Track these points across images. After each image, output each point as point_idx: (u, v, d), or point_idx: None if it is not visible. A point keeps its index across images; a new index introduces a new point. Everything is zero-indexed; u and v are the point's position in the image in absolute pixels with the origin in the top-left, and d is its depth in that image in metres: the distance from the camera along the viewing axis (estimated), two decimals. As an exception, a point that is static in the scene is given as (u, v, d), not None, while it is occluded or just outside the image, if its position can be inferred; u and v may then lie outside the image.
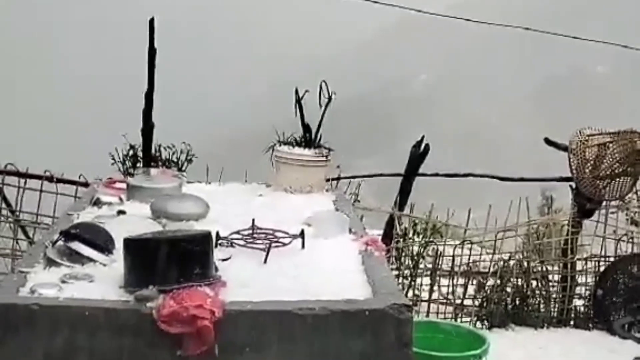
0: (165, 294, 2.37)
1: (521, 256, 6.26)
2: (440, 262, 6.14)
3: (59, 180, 5.69)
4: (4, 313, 2.34)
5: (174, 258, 2.44)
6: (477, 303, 6.10)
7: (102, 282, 2.53)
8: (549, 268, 6.27)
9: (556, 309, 6.20)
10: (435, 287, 6.14)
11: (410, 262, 6.00)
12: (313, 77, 4.11)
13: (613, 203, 6.20)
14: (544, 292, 6.12)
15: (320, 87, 3.99)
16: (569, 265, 6.18)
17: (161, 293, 2.37)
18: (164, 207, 3.22)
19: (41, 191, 5.72)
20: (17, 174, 5.78)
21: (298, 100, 3.99)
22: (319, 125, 4.00)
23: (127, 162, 5.49)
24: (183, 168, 5.37)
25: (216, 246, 2.79)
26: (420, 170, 6.10)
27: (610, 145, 5.86)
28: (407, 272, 5.98)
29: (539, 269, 6.17)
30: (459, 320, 5.96)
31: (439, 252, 6.13)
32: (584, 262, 6.32)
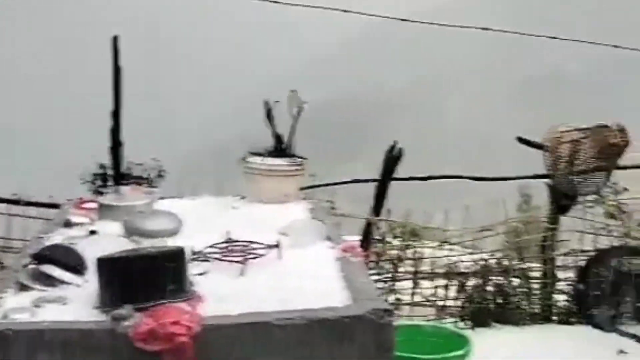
0: (141, 312, 2.33)
1: (501, 255, 6.26)
2: (420, 265, 6.14)
3: (28, 203, 5.62)
4: (-24, 340, 2.29)
5: (147, 275, 2.40)
6: (459, 304, 6.10)
7: (76, 303, 2.49)
8: (530, 265, 6.28)
9: (538, 306, 6.21)
10: (417, 290, 6.13)
11: (389, 266, 5.99)
12: (286, 88, 4.09)
13: (589, 197, 6.23)
14: (525, 290, 6.13)
15: (290, 97, 3.97)
16: (549, 262, 6.20)
17: (137, 311, 2.33)
18: (136, 225, 3.18)
19: (10, 215, 5.63)
20: (-16, 198, 5.70)
21: (268, 111, 3.97)
22: (291, 135, 3.98)
23: (97, 181, 5.43)
24: (154, 184, 5.32)
25: (191, 261, 2.75)
26: (397, 174, 6.09)
27: (584, 140, 5.89)
28: (387, 276, 5.97)
29: (520, 266, 6.18)
30: (442, 321, 5.95)
31: (417, 255, 6.13)
32: (563, 257, 6.34)
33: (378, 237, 6.02)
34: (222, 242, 3.01)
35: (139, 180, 5.23)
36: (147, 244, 2.96)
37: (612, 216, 6.39)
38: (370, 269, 5.73)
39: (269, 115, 3.99)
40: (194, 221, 3.37)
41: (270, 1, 7.29)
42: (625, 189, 6.34)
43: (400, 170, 6.14)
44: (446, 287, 6.15)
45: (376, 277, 5.77)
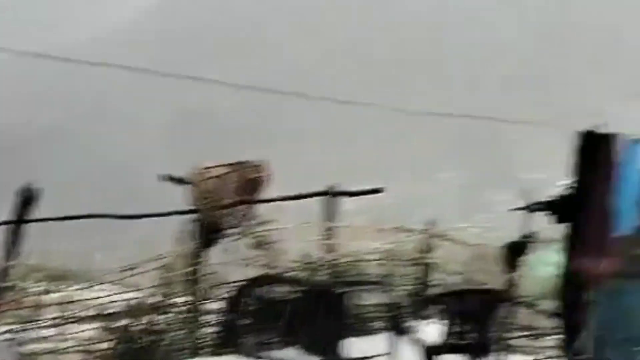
0: None
1: (151, 292, 6.22)
2: (68, 309, 5.86)
3: None
4: None
5: None
6: (109, 345, 5.92)
7: None
8: (179, 300, 6.33)
9: (191, 339, 6.26)
10: (67, 335, 5.84)
11: (29, 314, 5.63)
12: None
13: (235, 230, 6.46)
14: (175, 325, 6.15)
15: None
16: (196, 295, 6.30)
17: None
18: None
19: None
20: None
21: None
22: None
23: None
24: None
25: None
26: (34, 216, 5.73)
27: (228, 176, 6.13)
28: (27, 325, 5.59)
29: (168, 302, 6.19)
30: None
31: (66, 299, 5.85)
32: (213, 289, 6.48)
33: (11, 284, 5.61)
34: None
35: None
36: None
37: (256, 247, 6.72)
38: (6, 318, 5.33)
39: None
40: None
41: None
42: (268, 221, 6.72)
43: (45, 211, 5.83)
44: (97, 329, 5.95)
45: (14, 327, 5.38)
